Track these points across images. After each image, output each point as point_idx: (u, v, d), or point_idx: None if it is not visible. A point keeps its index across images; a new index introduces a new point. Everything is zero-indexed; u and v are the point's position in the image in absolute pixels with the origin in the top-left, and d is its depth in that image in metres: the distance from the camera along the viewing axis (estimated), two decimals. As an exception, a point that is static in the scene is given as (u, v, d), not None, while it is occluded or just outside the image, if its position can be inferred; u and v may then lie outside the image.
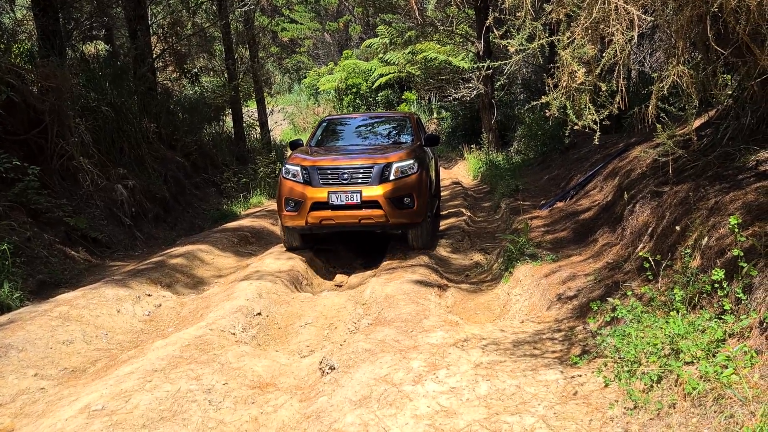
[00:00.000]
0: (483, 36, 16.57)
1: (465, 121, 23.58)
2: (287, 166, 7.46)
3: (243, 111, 18.75)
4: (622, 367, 3.04)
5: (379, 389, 3.36)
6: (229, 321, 5.00)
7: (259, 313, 5.41)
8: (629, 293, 3.35)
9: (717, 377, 2.53)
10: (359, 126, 9.66)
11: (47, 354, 4.55)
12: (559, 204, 8.20)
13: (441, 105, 27.07)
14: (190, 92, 16.74)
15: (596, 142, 3.60)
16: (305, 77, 34.79)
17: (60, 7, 11.46)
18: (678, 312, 3.01)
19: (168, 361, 4.05)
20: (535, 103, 3.43)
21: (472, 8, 17.56)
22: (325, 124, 9.44)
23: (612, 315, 3.49)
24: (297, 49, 37.44)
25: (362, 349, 3.99)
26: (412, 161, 7.30)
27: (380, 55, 26.55)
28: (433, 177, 9.21)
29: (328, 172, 7.15)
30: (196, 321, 5.19)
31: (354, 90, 28.66)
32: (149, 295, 6.13)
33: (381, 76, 26.98)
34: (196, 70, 16.39)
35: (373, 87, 27.88)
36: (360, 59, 29.86)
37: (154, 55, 14.32)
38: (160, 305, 6.03)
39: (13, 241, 6.74)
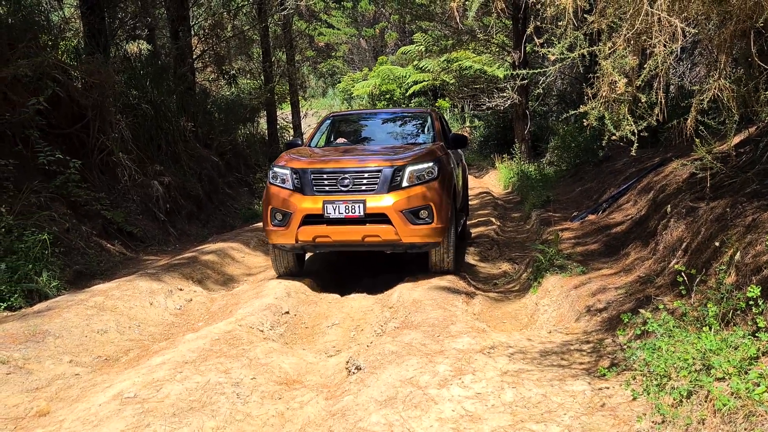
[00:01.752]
0: (520, 46, 16.53)
1: (498, 131, 23.52)
2: (274, 168, 6.19)
3: (277, 113, 18.99)
4: (652, 381, 3.02)
5: (405, 391, 3.38)
6: (258, 318, 5.08)
7: (287, 312, 5.49)
8: (661, 307, 3.32)
9: (749, 394, 2.50)
10: (370, 123, 8.31)
11: (82, 342, 4.67)
12: (591, 217, 8.13)
13: (474, 114, 27.05)
14: (227, 93, 17.01)
15: (633, 153, 3.59)
16: (339, 82, 35.06)
17: (106, 6, 11.76)
18: (710, 328, 2.98)
19: (198, 354, 4.13)
20: (572, 113, 3.44)
21: (509, 18, 17.53)
22: (329, 121, 8.05)
23: (642, 328, 3.46)
24: (332, 54, 37.76)
25: (389, 351, 4.02)
26: (431, 164, 6.02)
27: (415, 62, 26.63)
28: (460, 186, 7.88)
29: (324, 176, 5.88)
30: (226, 317, 5.28)
31: (387, 96, 28.79)
32: (181, 290, 6.26)
33: (415, 83, 27.04)
34: (233, 72, 16.67)
35: (407, 94, 27.96)
36: (395, 66, 29.98)
37: (194, 56, 14.60)
38: (191, 300, 6.15)
39: (53, 232, 6.93)
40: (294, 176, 6.01)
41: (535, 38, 3.26)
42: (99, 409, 3.38)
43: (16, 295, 5.62)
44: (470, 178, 18.41)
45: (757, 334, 2.86)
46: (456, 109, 28.75)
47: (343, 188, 5.83)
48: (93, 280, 6.87)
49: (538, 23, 3.40)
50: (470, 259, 7.90)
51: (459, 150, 8.45)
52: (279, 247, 6.20)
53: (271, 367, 4.08)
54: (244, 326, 4.83)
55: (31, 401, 3.68)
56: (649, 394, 2.97)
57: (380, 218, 5.78)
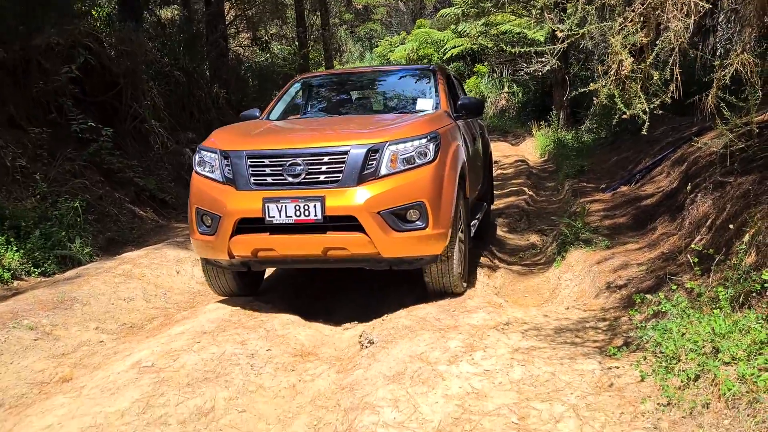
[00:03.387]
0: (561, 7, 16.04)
1: (536, 97, 23.01)
2: (201, 151, 4.53)
3: (312, 79, 18.93)
4: (661, 363, 2.97)
5: (414, 366, 3.40)
6: (282, 285, 5.16)
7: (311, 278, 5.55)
8: (674, 287, 3.25)
9: (755, 380, 2.44)
10: (355, 88, 6.41)
11: (109, 309, 4.82)
12: (623, 188, 7.96)
13: (513, 79, 26.49)
14: (261, 59, 17.03)
15: (644, 132, 3.47)
16: (377, 46, 34.68)
17: (139, -28, 11.82)
18: (721, 310, 2.91)
19: (217, 325, 4.22)
20: (581, 90, 3.33)
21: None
22: (298, 86, 6.14)
23: (657, 308, 3.39)
24: (370, 17, 37.29)
25: (402, 326, 4.04)
26: (424, 140, 4.21)
27: (453, 26, 26.13)
28: (479, 167, 6.26)
29: (266, 161, 4.18)
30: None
31: (425, 61, 28.39)
32: (207, 258, 6.38)
33: (453, 47, 26.57)
34: (266, 38, 16.64)
35: (444, 58, 27.51)
36: (433, 29, 29.47)
37: (227, 22, 14.60)
38: (217, 268, 6.27)
39: (86, 199, 7.13)
40: (224, 162, 4.29)
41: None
42: (117, 377, 3.50)
43: (49, 262, 5.83)
44: (506, 146, 18.15)
45: (770, 319, 2.78)
46: (495, 75, 28.17)
47: (292, 179, 4.09)
48: (125, 246, 7.06)
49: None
50: (498, 230, 7.84)
51: (478, 120, 6.97)
52: (212, 263, 4.57)
53: (287, 338, 4.14)
54: (265, 297, 4.91)
55: (56, 367, 3.83)
56: (657, 375, 2.93)
57: (348, 223, 4.04)
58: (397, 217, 4.08)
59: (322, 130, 4.78)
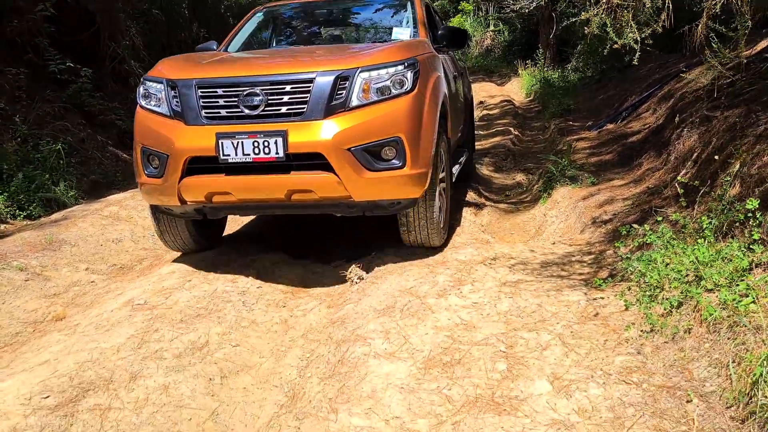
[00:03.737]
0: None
1: (522, 35, 22.71)
2: (145, 81, 3.99)
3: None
4: (645, 292, 3.05)
5: (403, 300, 3.47)
6: (269, 228, 5.18)
7: (298, 225, 5.57)
8: (660, 219, 3.30)
9: (736, 305, 2.52)
10: (323, 17, 5.88)
11: (98, 250, 4.82)
12: (610, 126, 7.96)
13: (499, 17, 26.03)
14: (242, -3, 16.52)
15: (635, 62, 3.44)
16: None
17: None
18: (705, 240, 2.97)
19: (207, 263, 4.25)
20: (573, 20, 3.28)
21: None
22: (260, 16, 5.58)
23: (641, 240, 3.46)
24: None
25: (391, 262, 4.08)
26: (400, 67, 3.76)
27: (438, -38, 25.48)
28: (461, 108, 5.86)
29: (219, 91, 3.68)
30: (237, 227, 5.38)
31: (409, -1, 27.73)
32: (194, 200, 6.35)
33: (437, -16, 25.97)
34: (247, -26, 16.09)
35: (429, -4, 26.89)
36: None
37: (206, -42, 14.08)
38: (205, 210, 6.25)
39: (68, 142, 7.02)
40: (171, 93, 3.77)
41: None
42: (111, 314, 3.54)
43: (34, 205, 5.78)
44: (492, 86, 17.99)
45: (751, 247, 2.84)
46: (480, 13, 27.64)
47: (249, 111, 3.61)
48: (109, 189, 7.00)
49: None
50: (484, 170, 7.86)
51: (460, 62, 6.60)
52: (163, 211, 4.06)
53: (277, 276, 4.18)
54: (255, 236, 4.93)
55: (48, 306, 3.86)
56: (641, 304, 3.01)
57: (314, 161, 3.58)
58: (371, 155, 3.64)
59: (285, 57, 4.29)
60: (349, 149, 3.56)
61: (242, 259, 4.35)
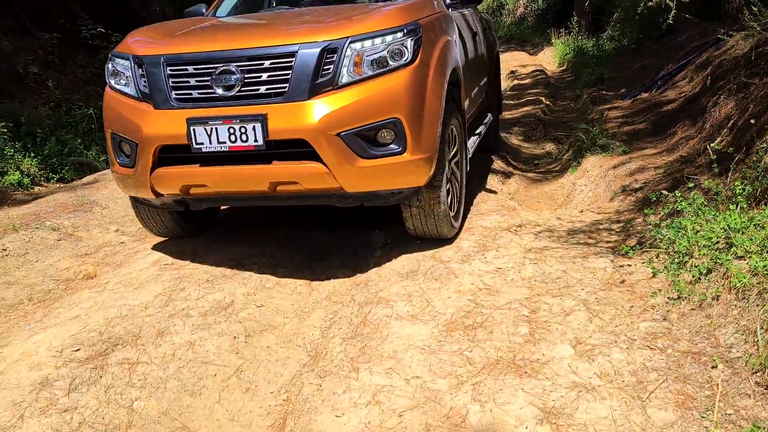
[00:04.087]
0: None
1: (557, 3, 22.14)
2: (113, 58, 3.55)
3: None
4: (673, 259, 2.99)
5: (427, 264, 3.46)
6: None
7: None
8: (691, 185, 3.22)
9: (766, 272, 2.45)
10: None
11: (127, 212, 4.90)
12: (644, 95, 7.76)
13: (533, -16, 25.43)
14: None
15: (670, 21, 3.33)
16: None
17: None
18: (737, 206, 2.89)
19: (233, 227, 4.30)
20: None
21: None
22: None
23: (672, 207, 3.39)
24: None
25: (416, 227, 4.07)
26: (399, 34, 3.22)
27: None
28: (482, 71, 5.27)
29: (189, 69, 3.21)
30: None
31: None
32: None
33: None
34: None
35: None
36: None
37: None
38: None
39: (99, 107, 7.09)
40: (138, 71, 3.32)
41: None
42: (140, 273, 3.61)
43: (66, 168, 5.90)
44: (524, 55, 17.65)
45: (786, 214, 2.76)
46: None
47: (224, 92, 3.14)
48: (140, 155, 7.09)
49: None
50: (513, 139, 7.76)
51: (482, 14, 5.84)
52: (142, 202, 3.70)
53: (301, 241, 4.21)
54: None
55: (79, 265, 3.95)
56: (669, 271, 2.95)
57: (299, 149, 3.12)
58: (365, 140, 3.15)
59: (266, 25, 3.73)
60: (338, 134, 3.07)
61: (267, 225, 4.39)
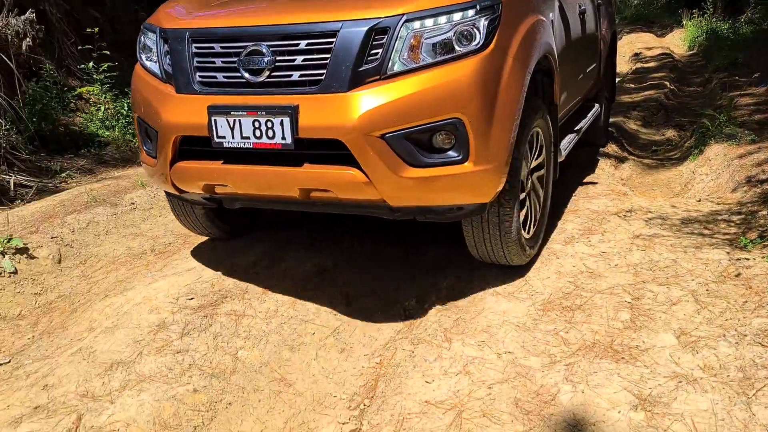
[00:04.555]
0: None
1: (691, -18, 20.72)
2: (143, 30, 3.08)
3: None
4: (798, 256, 2.79)
5: (528, 243, 3.41)
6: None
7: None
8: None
9: None
10: None
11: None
12: (782, 81, 7.16)
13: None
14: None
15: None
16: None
17: None
18: None
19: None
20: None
21: None
22: None
23: (801, 201, 3.14)
24: None
25: (519, 206, 4.02)
26: (471, 11, 2.54)
27: None
28: (589, 55, 4.61)
29: (215, 47, 2.71)
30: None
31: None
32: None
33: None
34: None
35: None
36: None
37: None
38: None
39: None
40: (164, 47, 2.88)
41: None
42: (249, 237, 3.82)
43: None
44: (650, 37, 16.69)
45: None
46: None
47: (252, 77, 2.62)
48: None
49: None
50: (631, 124, 7.40)
51: None
52: (174, 195, 3.19)
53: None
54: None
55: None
56: (791, 268, 2.75)
57: (333, 151, 2.54)
58: (415, 144, 2.52)
59: None
60: (382, 136, 2.46)
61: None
